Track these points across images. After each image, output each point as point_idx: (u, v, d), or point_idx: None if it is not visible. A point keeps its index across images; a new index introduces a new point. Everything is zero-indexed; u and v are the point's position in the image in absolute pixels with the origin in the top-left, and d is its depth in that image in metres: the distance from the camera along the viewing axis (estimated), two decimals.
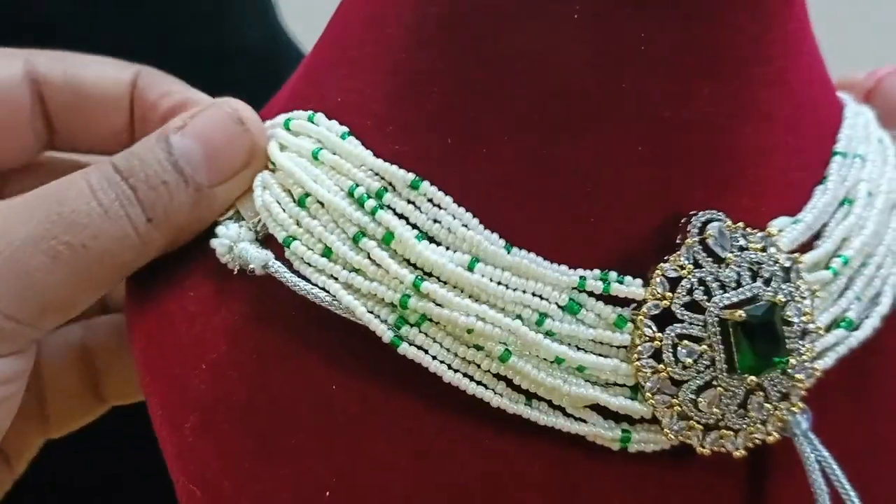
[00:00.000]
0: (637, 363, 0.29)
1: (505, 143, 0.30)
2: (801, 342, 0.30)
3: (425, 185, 0.30)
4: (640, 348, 0.29)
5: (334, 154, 0.31)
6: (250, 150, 0.31)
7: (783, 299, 0.30)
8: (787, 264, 0.30)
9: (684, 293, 0.29)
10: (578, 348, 0.30)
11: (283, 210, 0.31)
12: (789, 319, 0.30)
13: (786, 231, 0.31)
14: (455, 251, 0.30)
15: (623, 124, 0.29)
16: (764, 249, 0.30)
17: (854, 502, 0.30)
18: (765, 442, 0.30)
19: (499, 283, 0.29)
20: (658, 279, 0.29)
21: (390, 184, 0.30)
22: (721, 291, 0.29)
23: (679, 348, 0.29)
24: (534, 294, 0.29)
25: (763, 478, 0.32)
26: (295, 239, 0.31)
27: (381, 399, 0.30)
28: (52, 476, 0.39)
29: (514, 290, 0.29)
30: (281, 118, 0.33)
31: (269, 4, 0.48)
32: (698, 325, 0.29)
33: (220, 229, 0.32)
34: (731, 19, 0.30)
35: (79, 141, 0.35)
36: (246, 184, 0.31)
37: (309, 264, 0.31)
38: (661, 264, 0.29)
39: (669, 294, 0.29)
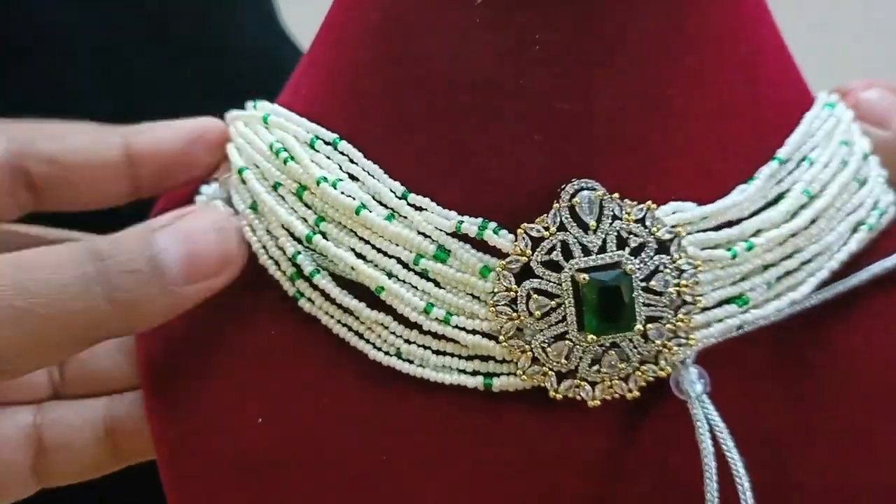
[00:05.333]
0: (493, 309, 0.32)
1: (422, 131, 0.33)
2: (668, 311, 0.32)
3: (343, 143, 0.34)
4: (497, 296, 0.32)
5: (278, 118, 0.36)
6: (225, 260, 0.34)
7: (646, 269, 0.32)
8: (666, 237, 0.32)
9: (544, 252, 0.32)
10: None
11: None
12: (653, 288, 0.32)
13: (675, 209, 0.33)
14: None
15: (520, 115, 0.32)
16: (641, 221, 0.32)
17: (739, 468, 0.32)
18: (624, 397, 0.32)
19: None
20: (521, 236, 0.32)
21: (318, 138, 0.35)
22: (582, 255, 0.32)
23: (531, 301, 0.32)
24: (419, 233, 0.33)
25: (659, 442, 0.33)
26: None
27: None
28: None
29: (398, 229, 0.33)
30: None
31: (269, 3, 0.51)
32: (553, 282, 0.32)
33: (203, 187, 0.38)
34: (630, 19, 0.32)
35: (70, 203, 0.37)
36: (218, 285, 0.34)
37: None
38: (526, 224, 0.32)
39: (529, 252, 0.32)
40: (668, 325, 0.32)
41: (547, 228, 0.32)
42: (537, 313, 0.32)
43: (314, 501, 0.33)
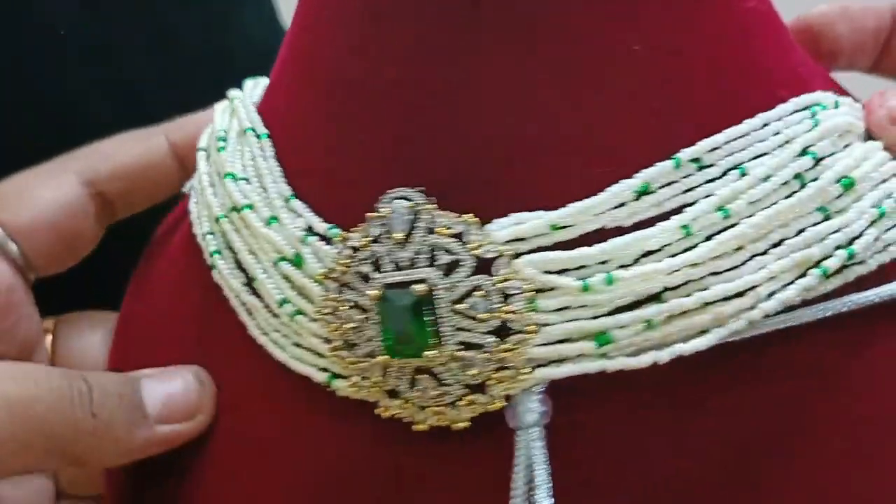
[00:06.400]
0: (322, 318, 0.31)
1: (312, 129, 0.33)
2: (490, 337, 0.29)
3: (265, 140, 0.34)
4: (324, 305, 0.30)
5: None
6: (196, 409, 0.34)
7: (459, 290, 0.29)
8: (489, 255, 0.29)
9: (356, 264, 0.30)
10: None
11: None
12: (466, 312, 0.29)
13: (517, 220, 0.29)
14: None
15: (376, 110, 0.31)
16: (458, 236, 0.29)
17: None
18: (450, 427, 0.30)
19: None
20: (341, 244, 0.30)
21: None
22: (392, 269, 0.29)
23: (346, 313, 0.30)
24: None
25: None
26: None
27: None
28: None
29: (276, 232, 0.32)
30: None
31: (270, 4, 0.49)
32: (364, 297, 0.30)
33: None
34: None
35: (139, 206, 0.40)
36: (186, 431, 0.34)
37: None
38: (346, 232, 0.30)
39: (345, 262, 0.30)
40: (484, 355, 0.29)
41: (366, 237, 0.30)
42: (347, 327, 0.30)
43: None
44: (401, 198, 0.29)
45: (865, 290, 0.29)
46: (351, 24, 0.31)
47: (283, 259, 0.32)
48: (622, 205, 0.29)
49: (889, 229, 0.30)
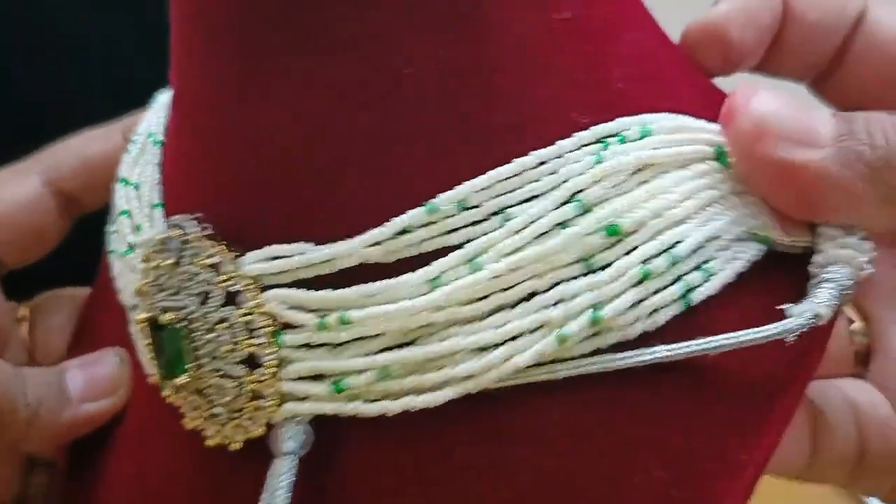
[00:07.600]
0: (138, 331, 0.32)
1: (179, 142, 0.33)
2: (240, 368, 0.29)
3: (156, 147, 0.35)
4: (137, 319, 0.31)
5: None
6: (115, 385, 0.36)
7: (212, 320, 0.29)
8: (235, 288, 0.29)
9: (150, 284, 0.31)
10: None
11: None
12: (214, 341, 0.29)
13: (276, 253, 0.28)
14: None
15: (189, 127, 0.32)
16: (215, 267, 0.29)
17: None
18: (228, 445, 0.30)
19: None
20: (143, 264, 0.31)
21: None
22: (169, 293, 0.30)
23: (142, 330, 0.31)
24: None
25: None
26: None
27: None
28: None
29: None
30: None
31: None
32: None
33: None
34: None
35: (104, 199, 0.40)
36: (112, 408, 0.36)
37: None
38: (150, 252, 0.31)
39: (146, 281, 0.31)
40: (235, 383, 0.29)
41: (158, 259, 0.30)
42: (145, 342, 0.31)
43: None
44: (177, 225, 0.30)
45: (612, 355, 0.26)
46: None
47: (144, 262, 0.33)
48: (378, 244, 0.27)
49: (658, 291, 0.26)
